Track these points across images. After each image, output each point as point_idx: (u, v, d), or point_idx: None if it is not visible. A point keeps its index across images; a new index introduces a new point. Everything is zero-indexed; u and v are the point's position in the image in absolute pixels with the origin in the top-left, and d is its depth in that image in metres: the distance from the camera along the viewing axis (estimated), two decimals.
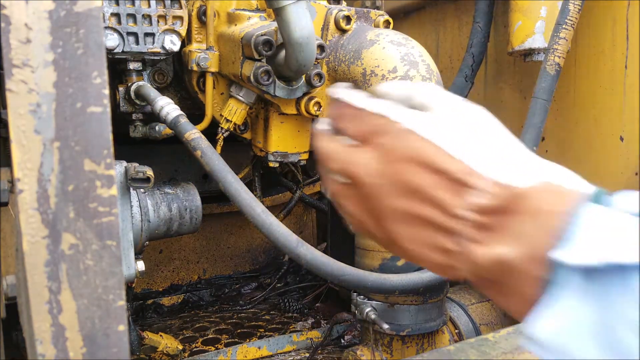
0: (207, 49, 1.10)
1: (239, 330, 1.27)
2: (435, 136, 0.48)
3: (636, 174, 1.19)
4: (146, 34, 1.02)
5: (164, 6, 1.03)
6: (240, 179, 1.26)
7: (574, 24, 1.06)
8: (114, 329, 0.61)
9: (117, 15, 0.99)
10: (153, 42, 1.03)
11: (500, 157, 0.48)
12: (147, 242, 1.02)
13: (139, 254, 0.98)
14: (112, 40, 0.99)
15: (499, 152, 0.48)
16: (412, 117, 0.49)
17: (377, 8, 1.45)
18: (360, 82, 1.07)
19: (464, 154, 0.47)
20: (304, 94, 1.11)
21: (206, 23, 1.10)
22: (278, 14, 0.93)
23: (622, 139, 1.21)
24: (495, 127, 0.50)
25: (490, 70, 1.61)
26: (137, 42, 1.02)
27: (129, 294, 1.00)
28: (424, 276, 1.00)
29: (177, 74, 1.17)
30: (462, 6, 1.65)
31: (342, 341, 1.18)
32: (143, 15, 1.02)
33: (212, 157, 0.93)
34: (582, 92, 1.30)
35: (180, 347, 1.11)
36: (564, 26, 1.06)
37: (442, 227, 0.46)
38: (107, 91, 0.59)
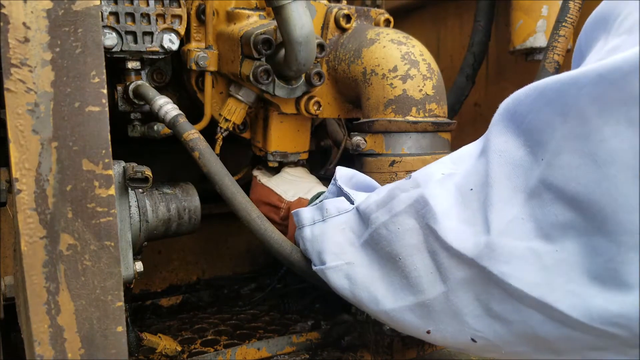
0: (206, 48, 1.10)
1: (238, 332, 1.26)
2: (269, 183, 1.17)
3: None
4: (145, 33, 1.02)
5: (163, 5, 1.02)
6: (240, 178, 1.26)
7: (573, 22, 1.06)
8: (113, 330, 0.61)
9: (115, 14, 0.99)
10: (152, 41, 1.03)
11: (295, 188, 1.12)
12: (145, 243, 1.02)
13: (137, 254, 0.98)
14: (110, 39, 0.98)
15: (297, 186, 1.12)
16: (262, 175, 1.22)
17: (378, 6, 1.44)
18: (361, 81, 1.06)
19: (278, 188, 1.14)
20: (304, 93, 1.10)
21: (205, 22, 1.09)
22: (277, 12, 0.93)
23: None
24: (304, 175, 1.19)
25: (491, 69, 1.60)
26: (135, 41, 1.01)
27: (128, 295, 1.00)
28: None
29: (176, 73, 1.17)
30: (464, 5, 1.65)
31: (342, 343, 1.18)
32: (141, 14, 1.01)
33: (210, 159, 0.93)
34: None
35: (179, 348, 1.10)
36: (563, 24, 1.06)
37: (278, 229, 0.95)
38: (105, 90, 0.59)
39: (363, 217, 0.78)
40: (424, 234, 0.67)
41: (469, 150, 0.69)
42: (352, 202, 0.83)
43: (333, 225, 0.83)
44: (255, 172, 1.22)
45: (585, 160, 0.49)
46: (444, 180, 0.67)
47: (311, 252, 0.85)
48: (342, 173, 0.90)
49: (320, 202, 0.87)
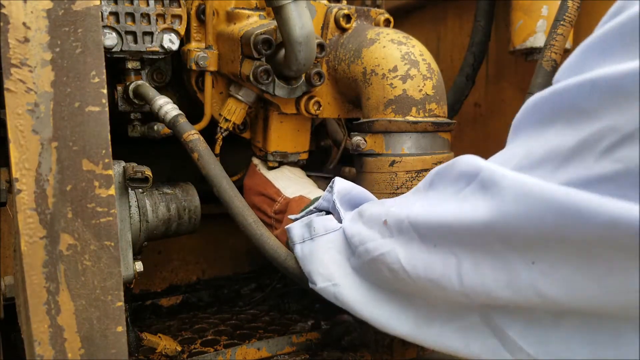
0: (206, 48, 1.10)
1: (238, 332, 1.26)
2: (269, 175, 1.15)
3: None
4: (145, 33, 1.02)
5: (163, 5, 1.02)
6: (240, 178, 1.26)
7: (572, 21, 1.06)
8: (113, 330, 0.61)
9: (115, 14, 0.99)
10: (152, 41, 1.03)
11: (295, 185, 1.10)
12: (145, 243, 1.02)
13: (137, 254, 0.98)
14: (110, 39, 0.98)
15: (297, 184, 1.11)
16: (262, 166, 1.20)
17: (378, 6, 1.44)
18: (361, 81, 1.06)
19: (278, 183, 1.12)
20: (304, 93, 1.10)
21: (205, 22, 1.09)
22: (277, 12, 0.93)
23: None
24: (302, 177, 1.18)
25: (491, 69, 1.60)
26: (135, 41, 1.01)
27: (127, 295, 1.00)
28: None
29: (176, 73, 1.17)
30: (463, 5, 1.65)
31: (342, 342, 1.18)
32: (141, 14, 1.01)
33: (209, 161, 0.93)
34: None
35: (179, 348, 1.10)
36: (561, 22, 1.06)
37: (266, 221, 1.05)
38: (105, 90, 0.59)
39: (349, 242, 0.79)
40: (402, 283, 0.68)
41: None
42: (341, 220, 0.83)
43: (320, 245, 0.83)
44: (256, 161, 1.22)
45: None
46: (410, 234, 0.66)
47: (304, 270, 0.86)
48: (340, 187, 0.89)
49: (308, 220, 0.87)
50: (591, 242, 0.46)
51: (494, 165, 0.54)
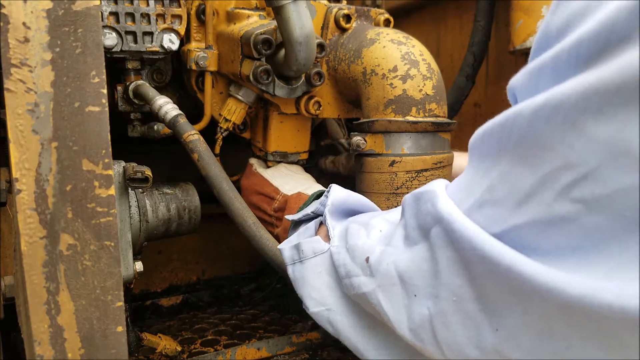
0: (206, 48, 1.10)
1: (238, 332, 1.26)
2: (266, 174, 1.15)
3: None
4: (145, 33, 1.02)
5: (163, 5, 1.02)
6: (240, 178, 1.26)
7: None
8: (113, 330, 0.61)
9: (115, 14, 0.99)
10: (152, 41, 1.03)
11: (293, 182, 1.09)
12: (145, 243, 1.02)
13: (137, 254, 0.98)
14: (110, 39, 0.98)
15: (295, 181, 1.10)
16: (258, 165, 1.19)
17: (378, 6, 1.44)
18: (361, 81, 1.06)
19: (275, 180, 1.11)
20: (304, 93, 1.10)
21: (205, 22, 1.09)
22: (277, 12, 0.93)
23: None
24: (300, 172, 1.17)
25: (491, 69, 1.60)
26: (135, 41, 1.01)
27: (128, 295, 1.00)
28: None
29: (175, 73, 1.17)
30: (463, 5, 1.65)
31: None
32: (141, 14, 1.01)
33: (209, 162, 0.93)
34: None
35: (179, 348, 1.10)
36: None
37: (266, 219, 1.08)
38: (105, 90, 0.59)
39: (337, 271, 0.77)
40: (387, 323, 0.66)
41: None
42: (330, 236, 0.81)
43: (309, 268, 0.81)
44: (252, 161, 1.21)
45: None
46: (392, 278, 0.64)
47: (297, 292, 0.85)
48: (334, 198, 0.86)
49: (297, 241, 0.85)
50: (550, 316, 0.44)
51: (454, 212, 0.53)
